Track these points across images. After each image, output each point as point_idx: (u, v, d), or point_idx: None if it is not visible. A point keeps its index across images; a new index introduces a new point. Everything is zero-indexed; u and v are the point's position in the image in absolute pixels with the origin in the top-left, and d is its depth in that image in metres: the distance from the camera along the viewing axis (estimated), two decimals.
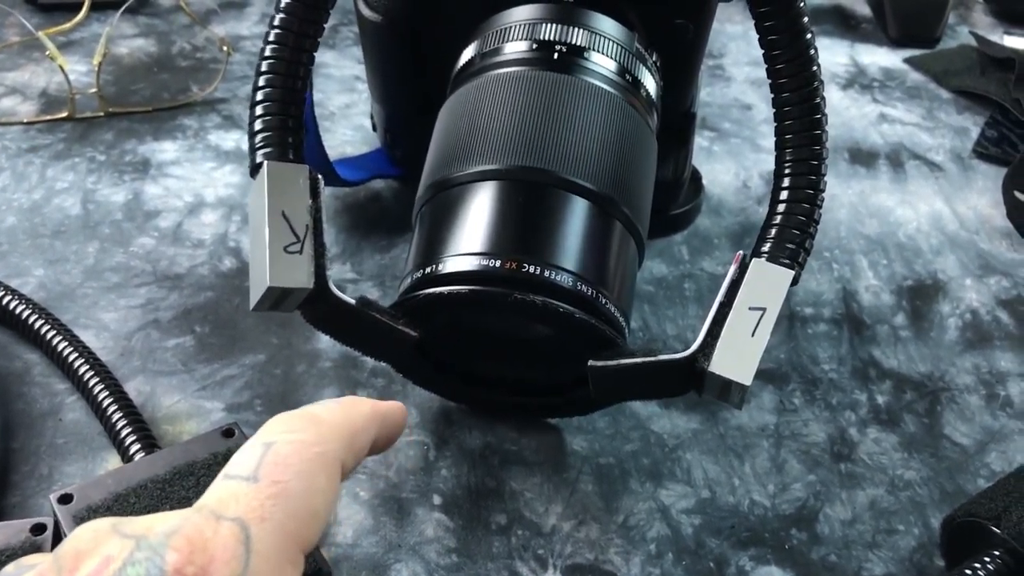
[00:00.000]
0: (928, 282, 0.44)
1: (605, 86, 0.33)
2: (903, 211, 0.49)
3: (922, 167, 0.53)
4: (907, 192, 0.51)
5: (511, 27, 0.35)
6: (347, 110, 0.54)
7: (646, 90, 0.35)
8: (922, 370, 0.39)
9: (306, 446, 0.21)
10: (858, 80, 0.63)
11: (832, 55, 0.66)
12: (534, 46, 0.34)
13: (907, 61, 0.65)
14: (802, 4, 0.30)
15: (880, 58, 0.66)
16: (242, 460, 0.21)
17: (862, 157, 0.54)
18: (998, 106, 0.59)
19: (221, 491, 0.20)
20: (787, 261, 0.29)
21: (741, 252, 0.29)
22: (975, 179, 0.52)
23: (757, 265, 0.29)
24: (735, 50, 0.65)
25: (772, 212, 0.30)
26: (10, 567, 0.19)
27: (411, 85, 0.41)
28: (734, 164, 0.52)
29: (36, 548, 0.26)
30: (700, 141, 0.53)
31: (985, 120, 0.58)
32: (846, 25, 0.71)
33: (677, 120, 0.41)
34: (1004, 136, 0.56)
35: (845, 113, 0.58)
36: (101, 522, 0.19)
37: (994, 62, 0.63)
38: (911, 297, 0.43)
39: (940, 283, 0.44)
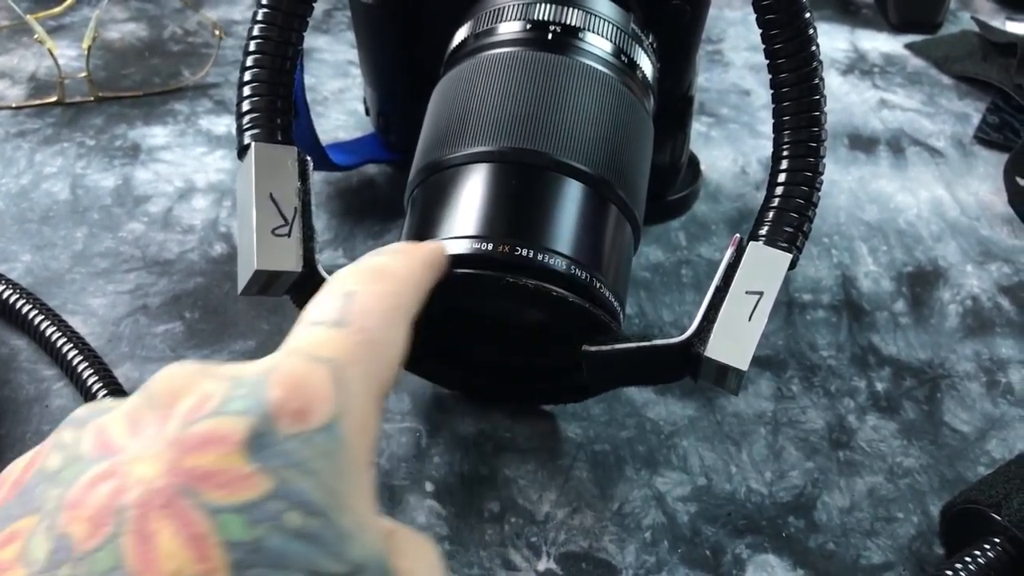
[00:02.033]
0: (928, 268, 0.44)
1: (600, 67, 0.32)
2: (903, 197, 0.49)
3: (923, 153, 0.53)
4: (907, 178, 0.50)
5: (505, 7, 0.34)
6: (340, 95, 0.54)
7: (642, 72, 0.34)
8: (922, 357, 0.39)
9: (384, 296, 0.21)
10: (858, 66, 0.62)
11: (832, 40, 0.65)
12: (528, 26, 0.33)
13: (908, 47, 0.65)
14: None
15: (881, 44, 0.65)
16: (324, 307, 0.21)
17: (862, 143, 0.53)
18: (999, 92, 0.58)
19: (309, 335, 0.20)
20: (785, 244, 0.28)
21: (738, 235, 0.29)
22: (976, 165, 0.52)
23: (754, 248, 0.28)
24: (734, 35, 0.64)
25: (770, 195, 0.30)
26: (81, 410, 0.19)
27: (404, 67, 0.41)
28: (732, 150, 0.51)
29: None
30: (698, 127, 0.53)
31: (986, 106, 0.57)
32: (846, 10, 0.70)
33: (675, 104, 0.40)
34: (1005, 122, 0.56)
35: (845, 99, 0.57)
36: (185, 365, 0.19)
37: (996, 48, 0.62)
38: (911, 283, 0.43)
39: (940, 269, 0.44)
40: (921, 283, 0.43)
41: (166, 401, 0.18)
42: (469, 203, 0.29)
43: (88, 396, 0.32)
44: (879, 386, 0.37)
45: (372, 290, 0.21)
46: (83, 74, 0.50)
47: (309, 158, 0.28)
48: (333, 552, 0.16)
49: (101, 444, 0.17)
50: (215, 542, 0.15)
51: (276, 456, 0.17)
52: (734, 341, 0.27)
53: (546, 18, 0.33)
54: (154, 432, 0.17)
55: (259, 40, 0.29)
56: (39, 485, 0.17)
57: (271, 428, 0.17)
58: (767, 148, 0.52)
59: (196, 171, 0.46)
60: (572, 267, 0.28)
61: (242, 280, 0.27)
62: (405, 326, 0.22)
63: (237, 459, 0.16)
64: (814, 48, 0.30)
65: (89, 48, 0.49)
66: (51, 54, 0.49)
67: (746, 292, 0.27)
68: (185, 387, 0.18)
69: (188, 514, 0.16)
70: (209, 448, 0.16)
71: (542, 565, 0.30)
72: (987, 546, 0.27)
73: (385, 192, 0.46)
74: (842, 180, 0.49)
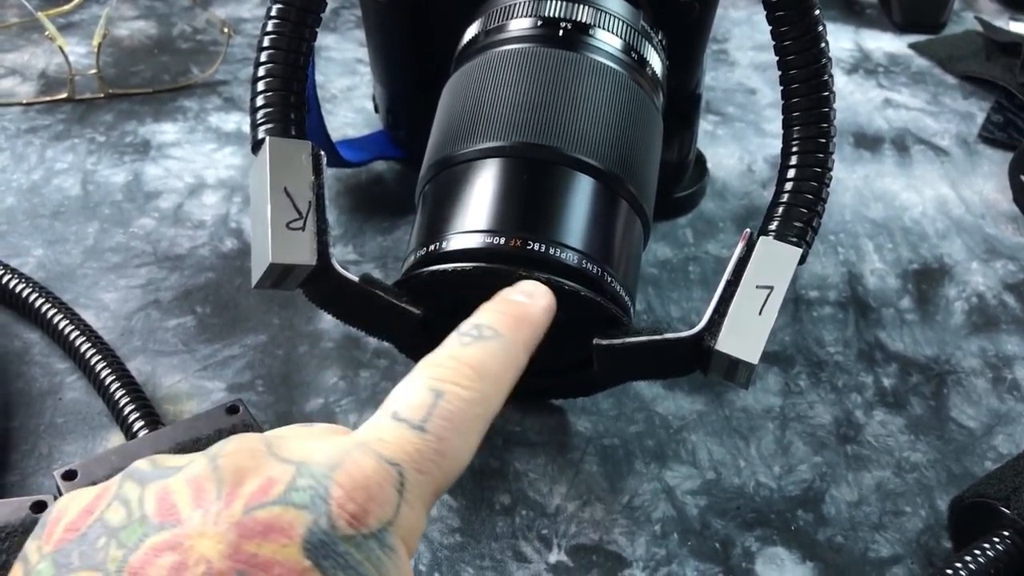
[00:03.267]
0: (934, 266, 0.44)
1: (611, 63, 0.32)
2: (908, 195, 0.49)
3: (927, 152, 0.53)
4: (912, 177, 0.50)
5: (516, 4, 0.34)
6: (349, 92, 0.54)
7: (652, 69, 0.35)
8: (928, 353, 0.39)
9: (472, 405, 0.21)
10: (863, 65, 0.62)
11: (837, 40, 0.65)
12: (539, 23, 0.33)
13: (912, 46, 0.65)
14: None
15: (885, 43, 0.65)
16: (411, 404, 0.20)
17: (867, 142, 0.53)
18: (1004, 91, 0.59)
19: (386, 431, 0.20)
20: (795, 239, 0.29)
21: (748, 230, 0.29)
22: (981, 164, 0.52)
23: (764, 243, 0.28)
24: (739, 35, 0.65)
25: (779, 190, 0.30)
26: (143, 463, 0.19)
27: (414, 65, 0.41)
28: (738, 148, 0.51)
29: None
30: (704, 125, 0.53)
31: (991, 105, 0.58)
32: (850, 10, 0.70)
33: (682, 101, 0.40)
34: (1010, 121, 0.56)
35: (850, 98, 0.58)
36: (252, 439, 0.19)
37: (1000, 47, 0.62)
38: (917, 281, 0.43)
39: (946, 267, 0.44)
40: (927, 280, 0.43)
41: (232, 478, 0.18)
42: (481, 198, 0.29)
43: (101, 389, 0.33)
44: (886, 382, 0.37)
45: (462, 395, 0.21)
46: (93, 71, 0.50)
47: (323, 152, 0.29)
48: None
49: (165, 509, 0.18)
50: None
51: (330, 556, 0.17)
52: (744, 335, 0.27)
53: (557, 15, 0.33)
54: (217, 510, 0.17)
55: (273, 35, 0.29)
56: (100, 538, 0.17)
57: (329, 526, 0.18)
58: (773, 146, 0.53)
59: (206, 167, 0.46)
60: (583, 261, 0.28)
61: (256, 273, 0.27)
62: (480, 437, 0.21)
63: (295, 553, 0.17)
64: (823, 45, 0.30)
65: (99, 45, 0.50)
66: (61, 51, 0.49)
67: (756, 287, 0.28)
68: (252, 468, 0.18)
69: None
70: (270, 537, 0.17)
71: (553, 557, 0.30)
72: (996, 539, 0.28)
73: (394, 189, 0.46)
74: (847, 178, 0.50)
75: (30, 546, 0.18)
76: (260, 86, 0.29)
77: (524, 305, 0.24)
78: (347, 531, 0.18)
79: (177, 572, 0.16)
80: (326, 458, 0.19)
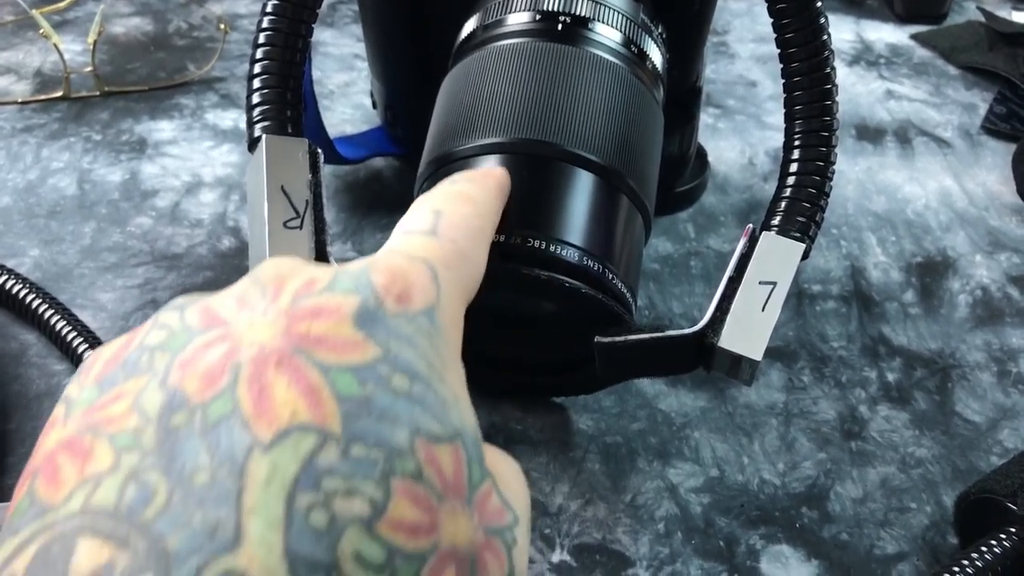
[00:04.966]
0: (937, 259, 0.44)
1: (610, 57, 0.32)
2: (911, 188, 0.48)
3: (930, 143, 0.52)
4: (915, 169, 0.50)
5: None
6: (346, 88, 0.53)
7: (652, 62, 0.34)
8: (932, 347, 0.39)
9: (469, 217, 0.23)
10: (864, 56, 0.62)
11: (838, 32, 0.65)
12: (538, 17, 0.33)
13: (914, 37, 0.65)
14: None
15: (886, 34, 0.65)
16: (417, 219, 0.22)
17: (869, 134, 0.53)
18: (1006, 82, 0.58)
19: (404, 240, 0.21)
20: (798, 234, 0.28)
21: (751, 225, 0.29)
22: (984, 155, 0.52)
23: (767, 238, 0.28)
24: (739, 27, 0.64)
25: (782, 184, 0.30)
26: (179, 299, 0.19)
27: (412, 60, 0.40)
28: (740, 141, 0.51)
29: None
30: (705, 118, 0.53)
31: (993, 96, 0.57)
32: (852, 1, 0.70)
33: (683, 95, 0.40)
34: (1013, 112, 0.55)
35: (851, 90, 0.57)
36: (290, 257, 0.20)
37: (1002, 37, 0.62)
38: (920, 274, 0.43)
39: (949, 260, 0.44)
40: (930, 273, 0.43)
41: (274, 283, 0.18)
42: None
43: None
44: (890, 376, 0.37)
45: (458, 211, 0.22)
46: (88, 69, 0.50)
47: (320, 150, 0.28)
48: (435, 414, 0.17)
49: (209, 318, 0.18)
50: (328, 394, 0.16)
51: (383, 329, 0.18)
52: (748, 331, 0.26)
53: (555, 8, 0.33)
54: (264, 306, 0.18)
55: (268, 32, 0.29)
56: (143, 355, 0.17)
57: (378, 305, 0.18)
58: (774, 139, 0.52)
59: (203, 165, 0.46)
60: (584, 258, 0.27)
61: None
62: (487, 246, 0.23)
63: (347, 327, 0.17)
64: (825, 37, 0.30)
65: (94, 43, 0.49)
66: (56, 49, 0.49)
67: (759, 282, 0.27)
68: (291, 273, 0.19)
69: (302, 369, 0.16)
70: (321, 317, 0.17)
71: (556, 557, 0.30)
72: (1002, 536, 0.27)
73: (392, 185, 0.46)
74: (850, 171, 0.49)
75: (71, 387, 0.18)
76: (256, 83, 0.29)
77: (483, 170, 0.26)
78: (396, 308, 0.18)
79: (229, 357, 0.16)
80: (361, 261, 0.19)
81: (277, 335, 0.17)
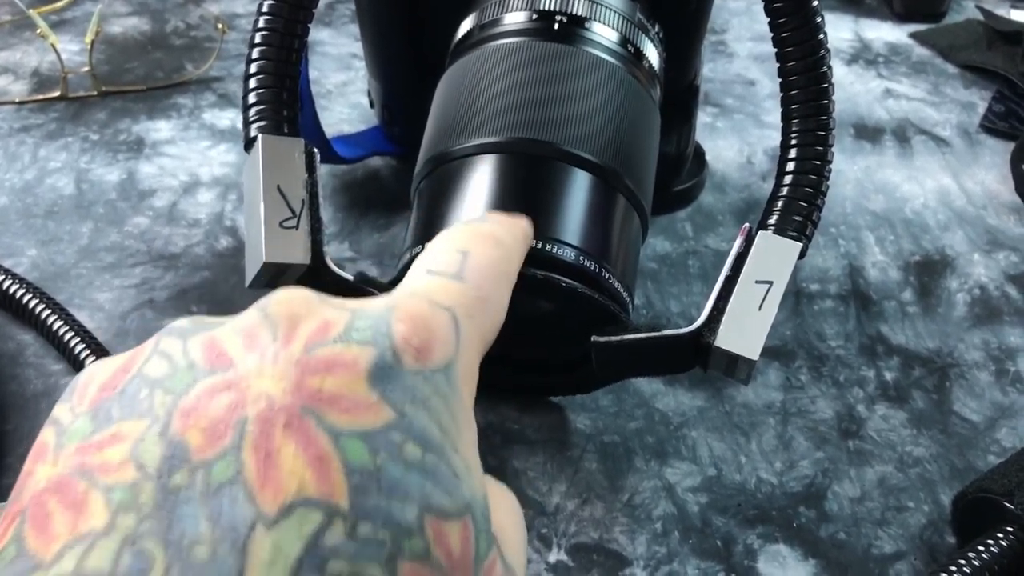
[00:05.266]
0: (936, 258, 0.44)
1: (607, 57, 0.32)
2: (910, 187, 0.48)
3: (928, 142, 0.52)
4: (913, 168, 0.50)
5: None
6: (344, 88, 0.53)
7: (648, 61, 0.34)
8: (930, 346, 0.38)
9: (497, 262, 0.22)
10: (863, 55, 0.62)
11: (836, 30, 0.65)
12: (534, 16, 0.33)
13: (912, 36, 0.65)
14: None
15: (885, 33, 0.65)
16: (442, 260, 0.21)
17: (867, 132, 0.53)
18: (1005, 80, 0.58)
19: (427, 283, 0.20)
20: (795, 234, 0.28)
21: (747, 224, 0.29)
22: (982, 154, 0.52)
23: (764, 238, 0.28)
24: (737, 25, 0.64)
25: (779, 184, 0.30)
26: (182, 321, 0.18)
27: (409, 59, 0.40)
28: (738, 140, 0.51)
29: None
30: (703, 117, 0.53)
31: (992, 95, 0.57)
32: (850, 0, 0.70)
33: (680, 93, 0.40)
34: (1011, 110, 0.55)
35: (850, 88, 0.57)
36: (303, 291, 0.19)
37: (1001, 36, 0.62)
38: (918, 273, 0.42)
39: (948, 258, 0.43)
40: (929, 272, 0.43)
41: (287, 323, 0.17)
42: (476, 194, 0.28)
43: None
44: (888, 375, 0.37)
45: (486, 253, 0.22)
46: (86, 69, 0.50)
47: (316, 150, 0.28)
48: (446, 488, 0.16)
49: (214, 356, 0.17)
50: (337, 465, 0.15)
51: (399, 388, 0.17)
52: (744, 331, 0.26)
53: (552, 8, 0.33)
54: (275, 351, 0.17)
55: (265, 32, 0.29)
56: (142, 390, 0.16)
57: (396, 360, 0.17)
58: (772, 138, 0.52)
59: (201, 165, 0.46)
60: (581, 257, 0.27)
61: (250, 273, 0.27)
62: (509, 292, 0.22)
63: (361, 386, 0.16)
64: (822, 36, 0.30)
65: (92, 42, 0.49)
66: (54, 49, 0.49)
67: (756, 282, 0.27)
68: (305, 313, 0.18)
69: (312, 434, 0.15)
70: (334, 372, 0.16)
71: (553, 557, 0.30)
72: (1000, 535, 0.27)
73: (390, 185, 0.46)
74: (848, 170, 0.49)
75: (60, 409, 0.17)
76: (252, 83, 0.29)
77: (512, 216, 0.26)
78: (414, 365, 0.17)
79: (234, 411, 0.15)
80: (380, 303, 0.18)
81: (287, 390, 0.16)
